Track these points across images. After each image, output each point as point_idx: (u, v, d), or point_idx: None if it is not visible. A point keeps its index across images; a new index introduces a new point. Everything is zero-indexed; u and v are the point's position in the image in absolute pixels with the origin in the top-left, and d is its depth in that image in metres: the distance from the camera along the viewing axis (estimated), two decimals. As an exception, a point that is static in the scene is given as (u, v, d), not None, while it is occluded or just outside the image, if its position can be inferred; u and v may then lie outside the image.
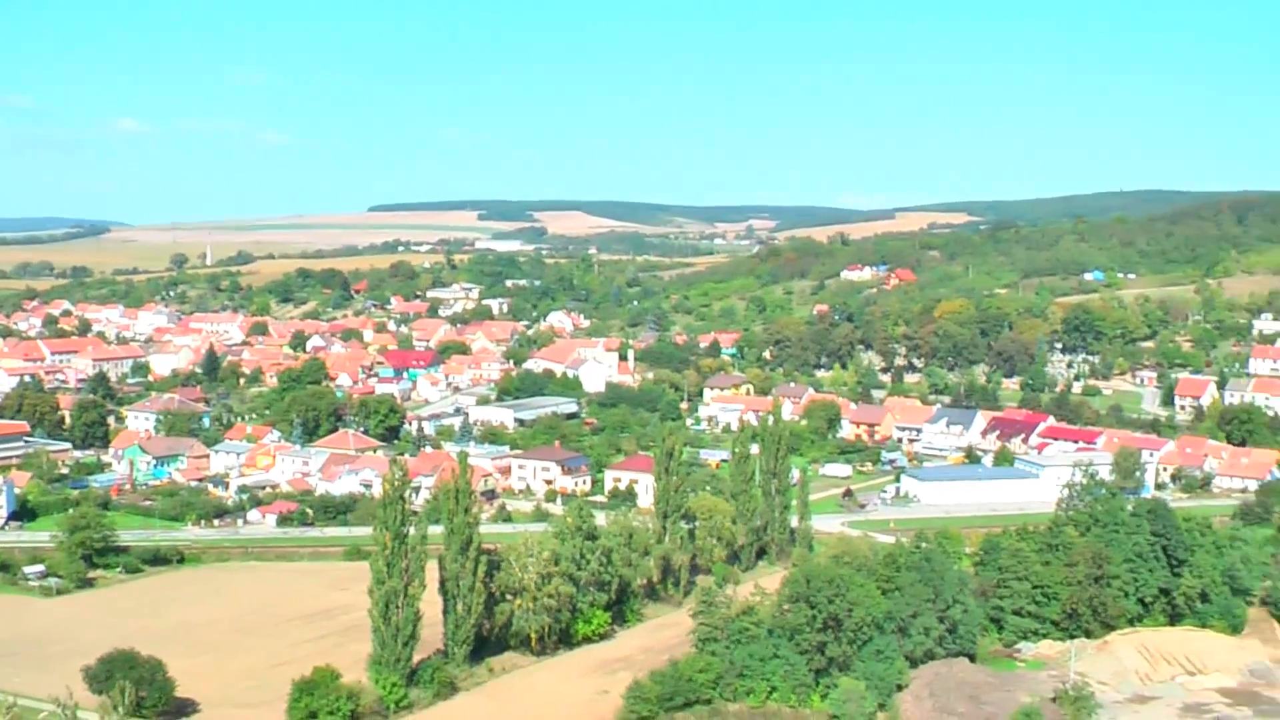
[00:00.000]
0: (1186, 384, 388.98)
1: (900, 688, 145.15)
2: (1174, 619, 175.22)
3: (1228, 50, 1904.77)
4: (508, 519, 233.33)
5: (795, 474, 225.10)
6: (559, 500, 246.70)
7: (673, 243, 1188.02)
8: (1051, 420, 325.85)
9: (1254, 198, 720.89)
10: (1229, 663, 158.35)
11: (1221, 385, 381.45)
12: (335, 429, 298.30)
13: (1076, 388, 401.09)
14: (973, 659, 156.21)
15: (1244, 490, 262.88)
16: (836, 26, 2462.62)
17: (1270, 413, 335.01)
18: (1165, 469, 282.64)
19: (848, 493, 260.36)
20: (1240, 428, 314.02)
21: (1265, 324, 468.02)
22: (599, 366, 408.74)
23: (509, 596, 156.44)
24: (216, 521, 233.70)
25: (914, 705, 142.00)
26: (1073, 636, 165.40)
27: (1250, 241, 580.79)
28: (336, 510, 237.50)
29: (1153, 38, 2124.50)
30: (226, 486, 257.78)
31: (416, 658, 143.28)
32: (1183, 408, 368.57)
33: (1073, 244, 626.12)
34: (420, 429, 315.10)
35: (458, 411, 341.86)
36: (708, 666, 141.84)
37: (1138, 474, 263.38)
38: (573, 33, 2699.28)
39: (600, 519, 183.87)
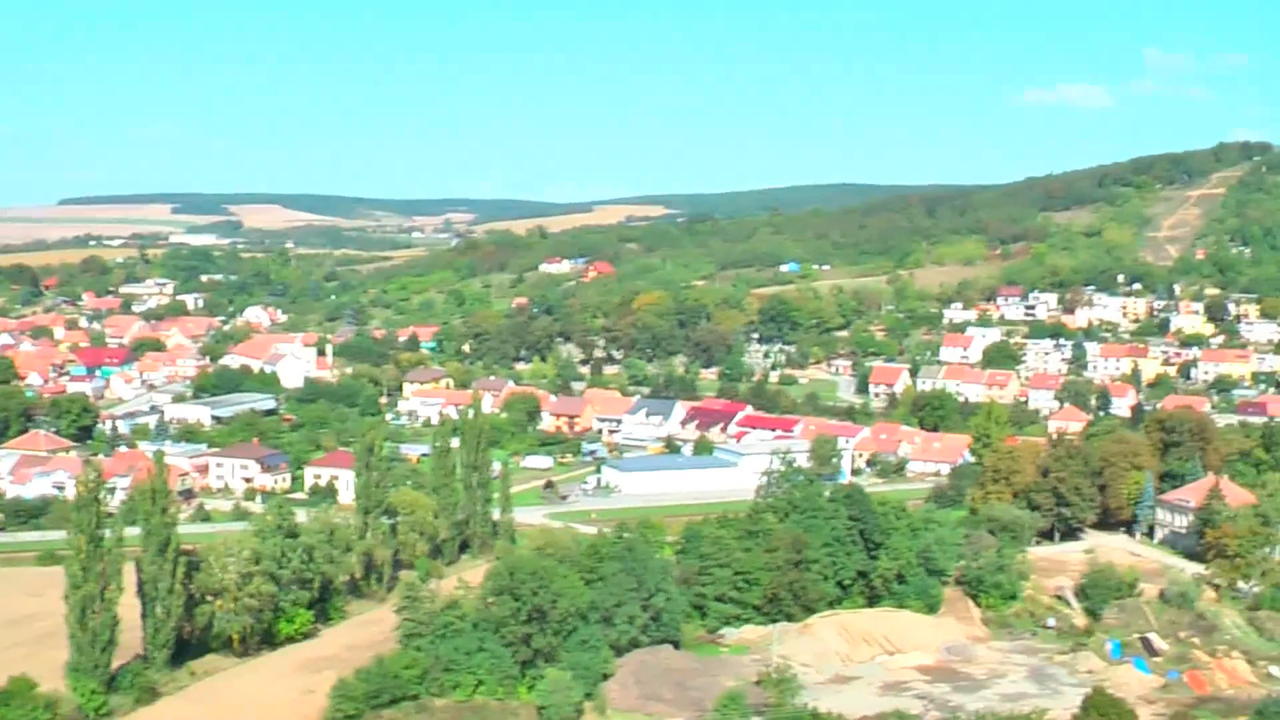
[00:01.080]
0: (880, 372, 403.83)
1: (606, 677, 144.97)
2: (872, 600, 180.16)
3: (901, 48, 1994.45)
4: (206, 518, 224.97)
5: (496, 467, 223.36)
6: (259, 498, 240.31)
7: (370, 236, 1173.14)
8: (750, 409, 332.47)
9: (943, 192, 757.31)
10: (926, 641, 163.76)
11: (914, 373, 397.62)
12: (25, 430, 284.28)
13: (774, 377, 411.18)
14: (677, 646, 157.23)
15: (937, 474, 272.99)
16: (529, 19, 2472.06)
17: (961, 399, 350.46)
18: (861, 455, 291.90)
19: (549, 484, 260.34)
20: (932, 414, 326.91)
21: (955, 313, 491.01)
22: (297, 362, 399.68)
23: (209, 598, 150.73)
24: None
25: (620, 693, 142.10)
26: (775, 621, 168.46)
27: (940, 234, 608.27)
28: (28, 514, 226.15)
29: (837, 34, 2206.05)
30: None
31: (116, 663, 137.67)
32: (877, 395, 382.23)
33: (769, 236, 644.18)
34: (115, 428, 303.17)
35: (153, 410, 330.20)
36: (413, 662, 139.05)
37: (834, 460, 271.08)
38: (261, 22, 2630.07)
39: (301, 516, 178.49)
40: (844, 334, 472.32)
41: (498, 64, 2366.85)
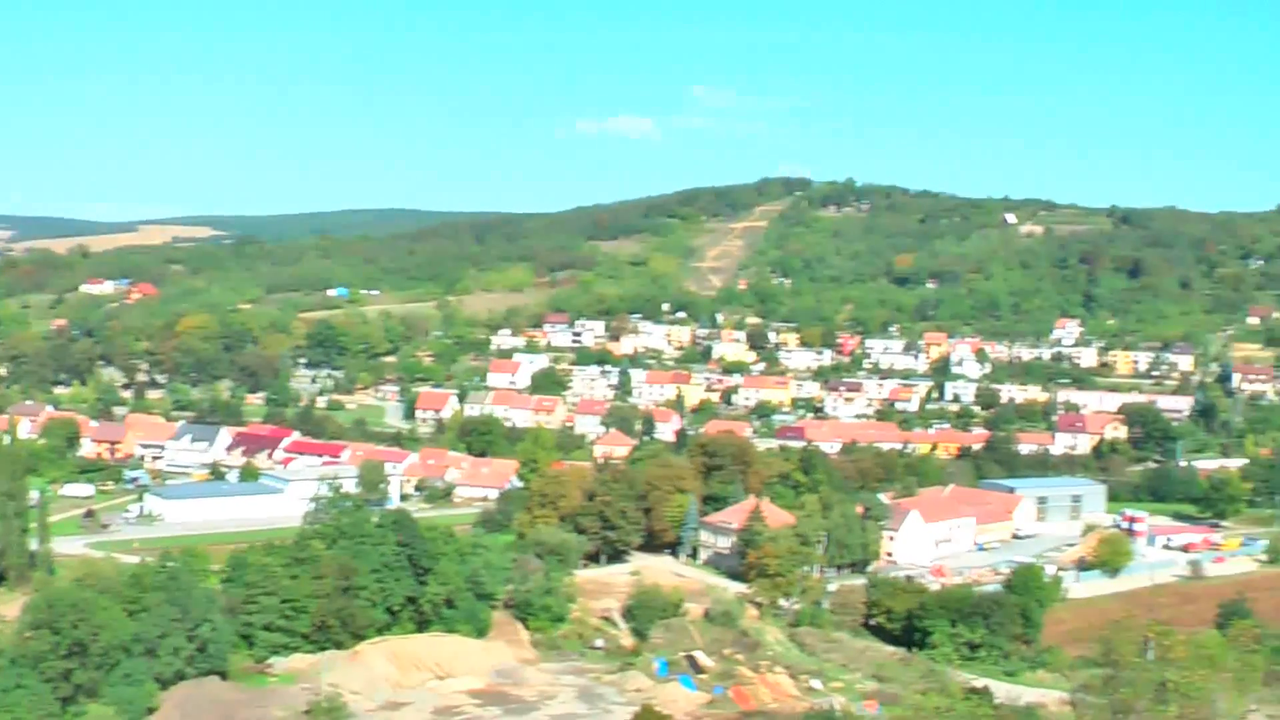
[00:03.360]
0: (428, 398, 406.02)
1: (151, 711, 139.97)
2: (422, 625, 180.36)
3: (449, 76, 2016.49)
4: None
5: (34, 495, 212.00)
6: None
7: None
8: (297, 435, 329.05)
9: (493, 219, 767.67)
10: (477, 665, 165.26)
11: (462, 398, 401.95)
12: None
13: (321, 402, 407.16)
14: (225, 677, 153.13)
15: (485, 499, 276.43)
16: (64, 25, 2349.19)
17: (508, 424, 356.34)
18: (409, 480, 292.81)
19: (89, 513, 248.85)
20: (480, 439, 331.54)
21: (503, 339, 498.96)
22: None
23: None
24: None
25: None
26: (323, 649, 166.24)
27: (490, 260, 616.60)
28: None
29: (384, 62, 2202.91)
30: None
31: None
32: (425, 420, 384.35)
33: (317, 260, 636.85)
34: None
35: None
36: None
37: (382, 486, 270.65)
38: None
39: None
40: (392, 359, 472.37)
41: (36, 70, 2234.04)
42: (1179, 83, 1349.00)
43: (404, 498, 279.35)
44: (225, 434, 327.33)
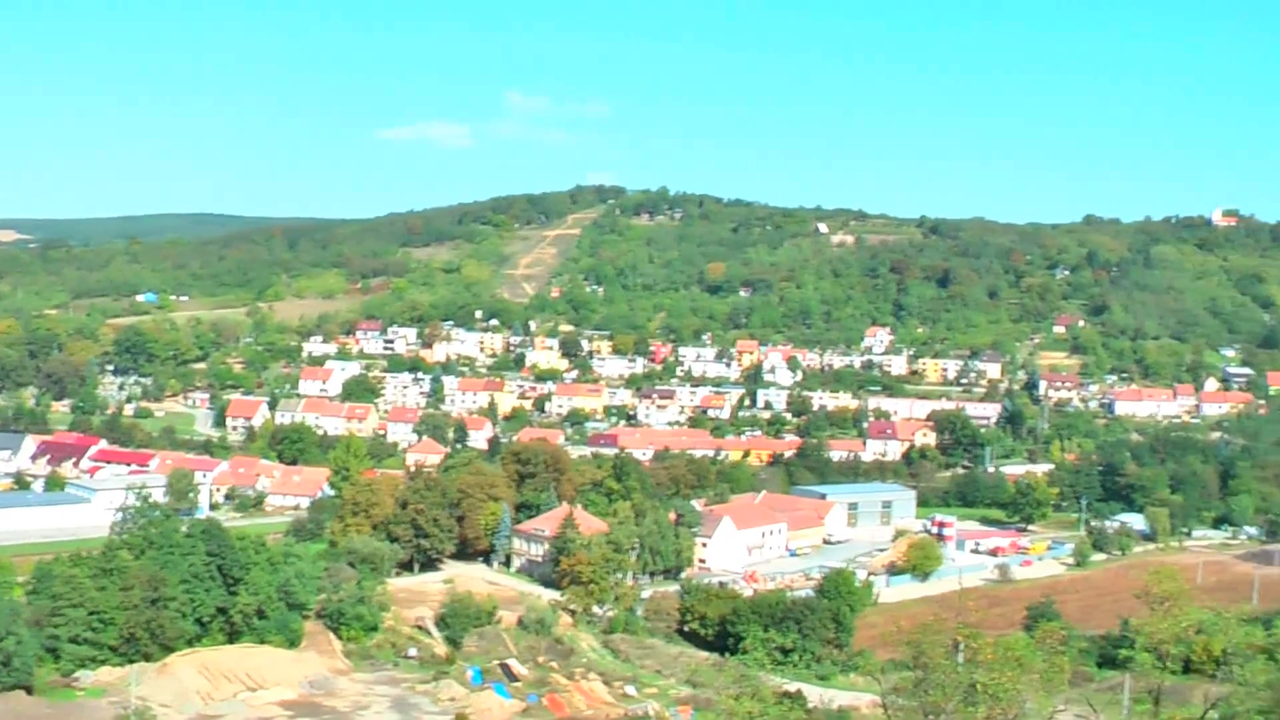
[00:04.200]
0: (238, 405, 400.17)
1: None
2: (233, 637, 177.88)
3: (265, 76, 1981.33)
4: None
5: None
6: None
7: None
8: (104, 443, 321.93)
9: (306, 225, 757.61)
10: (289, 676, 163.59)
11: (273, 406, 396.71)
12: None
13: (129, 410, 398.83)
14: (30, 691, 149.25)
15: (296, 507, 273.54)
16: None
17: (320, 431, 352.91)
18: (219, 489, 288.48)
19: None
20: (291, 447, 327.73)
21: (314, 346, 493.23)
22: None
23: None
24: None
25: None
26: (132, 661, 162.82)
27: (301, 267, 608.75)
28: None
29: (198, 65, 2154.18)
30: None
31: None
32: (235, 428, 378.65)
33: (125, 265, 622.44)
34: None
35: None
36: None
37: (192, 495, 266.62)
38: None
39: None
40: (201, 366, 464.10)
41: None
42: (986, 96, 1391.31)
43: (214, 507, 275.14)
44: (30, 442, 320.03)
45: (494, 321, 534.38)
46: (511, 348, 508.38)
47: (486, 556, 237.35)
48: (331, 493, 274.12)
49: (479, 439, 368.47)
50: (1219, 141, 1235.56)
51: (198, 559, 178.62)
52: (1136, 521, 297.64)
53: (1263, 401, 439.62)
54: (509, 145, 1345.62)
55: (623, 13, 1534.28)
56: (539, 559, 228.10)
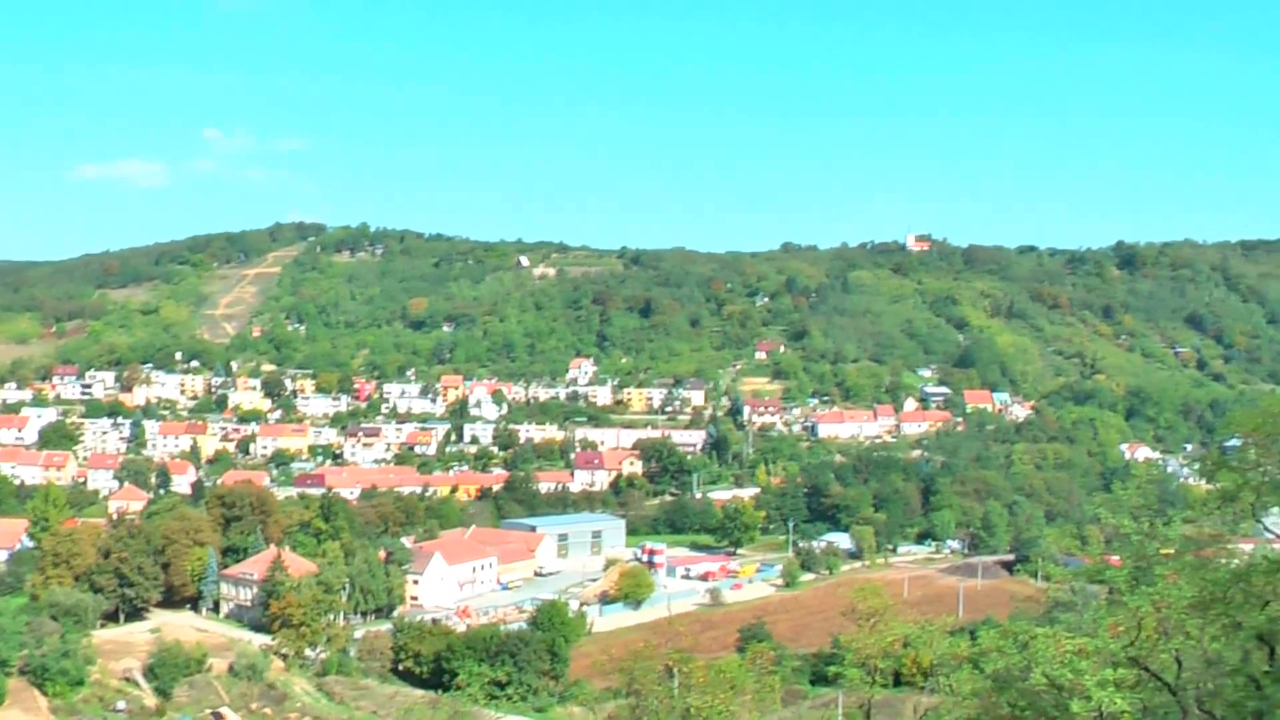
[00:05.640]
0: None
1: None
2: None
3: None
4: None
5: None
6: None
7: None
8: None
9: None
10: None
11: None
12: None
13: None
14: None
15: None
16: None
17: (17, 481, 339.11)
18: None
19: None
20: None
21: (9, 393, 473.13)
22: None
23: None
24: None
25: None
26: None
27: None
28: None
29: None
30: None
31: None
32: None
33: None
34: None
35: None
36: None
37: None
38: None
39: None
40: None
41: None
42: (682, 129, 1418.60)
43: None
44: None
45: (195, 363, 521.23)
46: (213, 389, 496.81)
47: (194, 603, 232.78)
48: (31, 544, 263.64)
49: (183, 484, 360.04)
50: (911, 168, 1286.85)
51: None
52: (843, 540, 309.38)
53: (959, 419, 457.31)
54: (207, 183, 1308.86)
55: (319, 48, 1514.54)
56: (248, 603, 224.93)
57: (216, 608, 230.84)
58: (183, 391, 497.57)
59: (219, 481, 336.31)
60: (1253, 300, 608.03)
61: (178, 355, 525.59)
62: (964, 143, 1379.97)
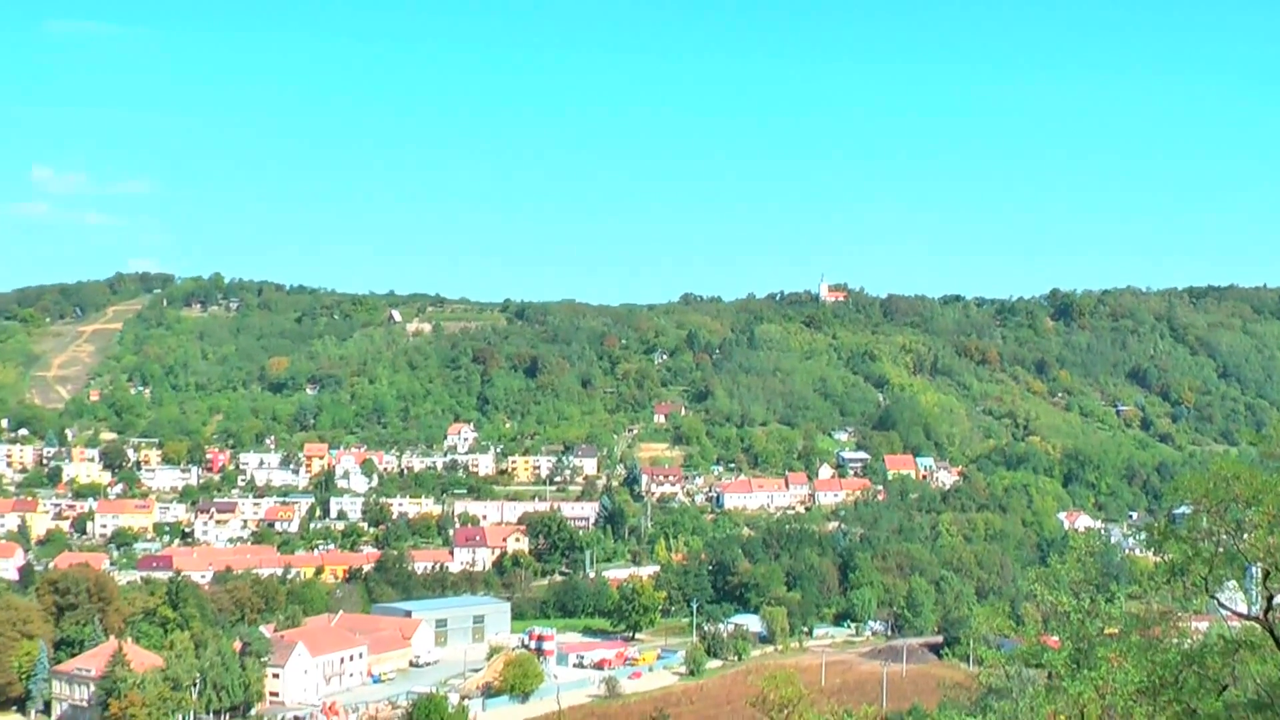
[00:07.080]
0: None
1: None
2: None
3: None
4: None
5: None
6: None
7: None
8: None
9: None
10: None
11: None
12: None
13: None
14: None
15: None
16: None
17: None
18: None
19: None
20: None
21: None
22: None
23: None
24: None
25: None
26: None
27: None
28: None
29: None
30: None
31: None
32: None
33: None
34: None
35: None
36: None
37: None
38: None
39: None
40: None
41: None
42: (566, 171, 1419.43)
43: None
44: None
45: (23, 431, 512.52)
46: (45, 460, 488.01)
47: (21, 704, 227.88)
48: None
49: (9, 568, 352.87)
50: (823, 212, 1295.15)
51: None
52: (753, 623, 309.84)
53: (880, 487, 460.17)
54: (37, 228, 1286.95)
55: (164, 81, 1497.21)
56: (84, 704, 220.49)
57: (48, 709, 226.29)
58: (9, 463, 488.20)
59: (51, 565, 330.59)
60: (1202, 352, 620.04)
61: (4, 423, 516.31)
62: (881, 184, 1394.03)
